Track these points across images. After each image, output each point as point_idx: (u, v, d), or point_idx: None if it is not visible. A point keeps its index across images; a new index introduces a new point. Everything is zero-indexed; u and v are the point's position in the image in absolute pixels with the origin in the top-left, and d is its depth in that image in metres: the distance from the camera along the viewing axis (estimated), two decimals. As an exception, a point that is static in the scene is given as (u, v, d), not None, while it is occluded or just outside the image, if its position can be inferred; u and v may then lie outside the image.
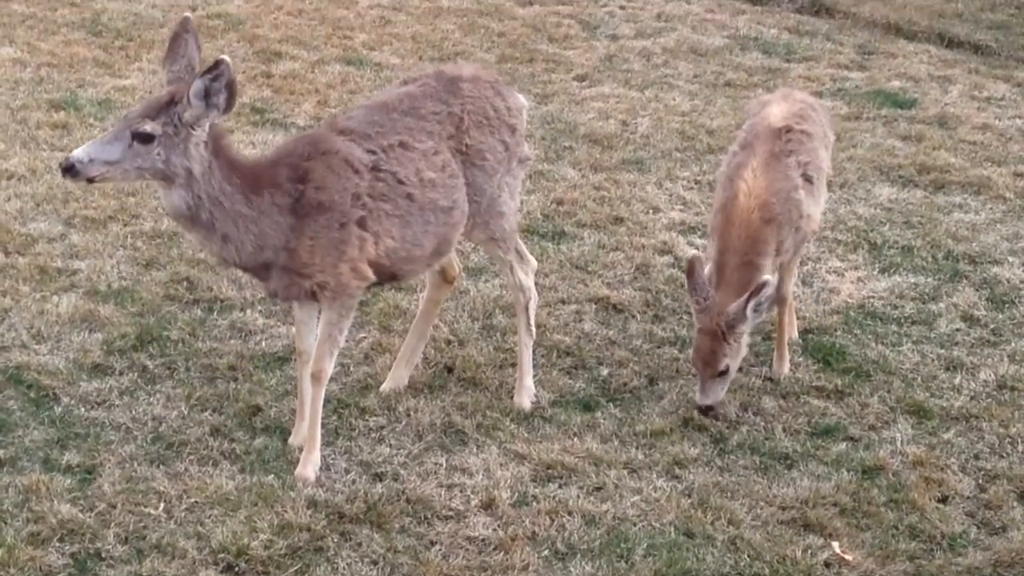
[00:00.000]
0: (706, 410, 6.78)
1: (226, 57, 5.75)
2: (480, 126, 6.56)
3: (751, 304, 6.55)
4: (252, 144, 9.55)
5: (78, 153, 5.78)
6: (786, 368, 7.26)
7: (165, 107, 5.79)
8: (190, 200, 5.86)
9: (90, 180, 5.85)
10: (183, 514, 5.93)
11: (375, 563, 5.73)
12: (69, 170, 5.75)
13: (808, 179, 7.06)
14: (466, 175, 6.49)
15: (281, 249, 6.04)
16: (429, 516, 6.04)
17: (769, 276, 6.67)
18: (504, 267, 6.95)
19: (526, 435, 6.66)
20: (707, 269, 7.05)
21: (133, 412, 6.63)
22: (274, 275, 6.13)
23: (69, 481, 6.08)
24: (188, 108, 5.75)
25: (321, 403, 6.27)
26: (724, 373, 6.73)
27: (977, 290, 8.29)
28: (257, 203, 5.97)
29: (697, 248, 8.54)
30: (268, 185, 6.01)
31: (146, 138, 5.76)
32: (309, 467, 6.22)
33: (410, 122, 6.38)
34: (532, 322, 6.97)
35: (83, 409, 6.64)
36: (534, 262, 7.09)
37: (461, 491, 6.21)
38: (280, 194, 6.02)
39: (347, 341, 7.07)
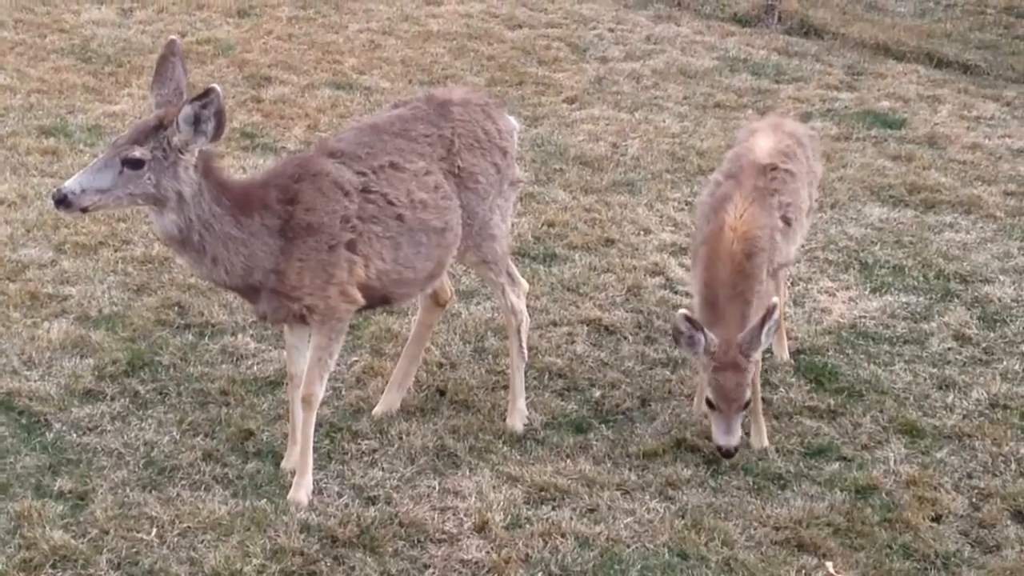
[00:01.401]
0: (733, 452, 6.59)
1: (217, 86, 5.75)
2: (471, 149, 6.56)
3: (765, 328, 6.48)
4: (243, 169, 9.55)
5: (70, 184, 5.76)
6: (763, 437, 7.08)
7: (153, 132, 5.79)
8: (181, 223, 5.86)
9: (83, 210, 5.84)
10: (176, 539, 5.91)
11: (368, 587, 5.73)
12: (62, 201, 5.74)
13: (787, 221, 7.01)
14: (458, 197, 6.49)
15: (270, 271, 6.03)
16: (422, 539, 6.02)
17: (776, 299, 6.61)
18: (496, 289, 6.94)
19: (519, 457, 6.65)
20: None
21: (125, 437, 6.61)
22: (263, 297, 6.13)
23: (61, 507, 6.06)
24: (177, 133, 5.76)
25: (312, 427, 6.26)
26: (747, 405, 6.63)
27: (968, 309, 8.30)
28: (247, 225, 5.97)
29: (687, 268, 8.55)
30: (258, 207, 6.01)
31: (136, 164, 5.75)
32: (302, 491, 6.20)
33: (401, 143, 6.38)
34: (524, 344, 6.96)
35: (75, 435, 6.62)
36: (525, 284, 7.09)
37: (454, 514, 6.19)
38: (269, 216, 6.02)
39: (339, 365, 7.07)
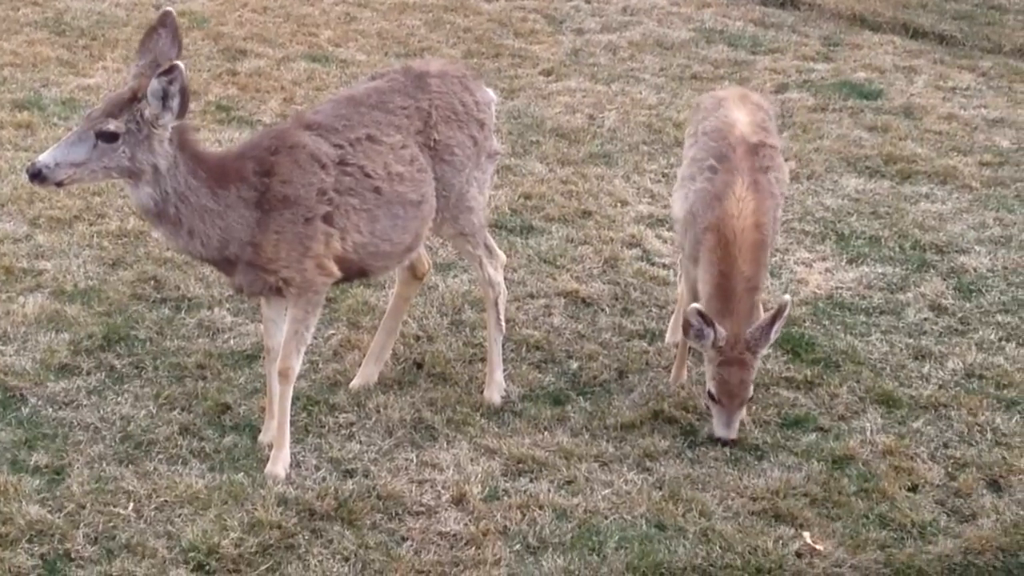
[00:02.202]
0: (732, 444, 6.59)
1: (180, 63, 5.71)
2: (448, 121, 6.54)
3: (776, 326, 6.45)
4: (218, 142, 9.51)
5: (44, 158, 5.74)
6: None
7: (127, 104, 5.77)
8: (157, 196, 5.84)
9: (58, 184, 5.82)
10: (153, 513, 5.90)
11: (346, 560, 5.71)
12: (36, 175, 5.72)
13: (782, 196, 6.98)
14: (435, 170, 6.47)
15: (246, 244, 6.02)
16: (400, 512, 6.02)
17: (788, 296, 6.55)
18: (473, 262, 6.93)
19: (496, 430, 6.65)
20: (680, 290, 7.01)
21: (101, 412, 6.59)
22: (240, 270, 6.12)
23: (37, 482, 6.04)
24: (148, 106, 5.74)
25: (289, 400, 6.24)
26: (749, 399, 6.62)
27: (944, 279, 8.32)
28: (223, 197, 5.95)
29: (665, 240, 8.56)
30: (234, 179, 6.00)
31: (110, 137, 5.73)
32: (279, 464, 6.19)
33: (378, 116, 6.36)
34: (502, 317, 6.95)
35: (51, 409, 6.60)
36: (503, 257, 7.07)
37: (432, 486, 6.19)
38: (246, 188, 6.00)
39: (316, 338, 7.06)
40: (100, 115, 5.78)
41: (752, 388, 6.59)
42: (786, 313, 6.48)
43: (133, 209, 6.21)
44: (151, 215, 5.95)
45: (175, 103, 5.71)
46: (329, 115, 6.32)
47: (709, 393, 6.59)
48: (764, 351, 6.58)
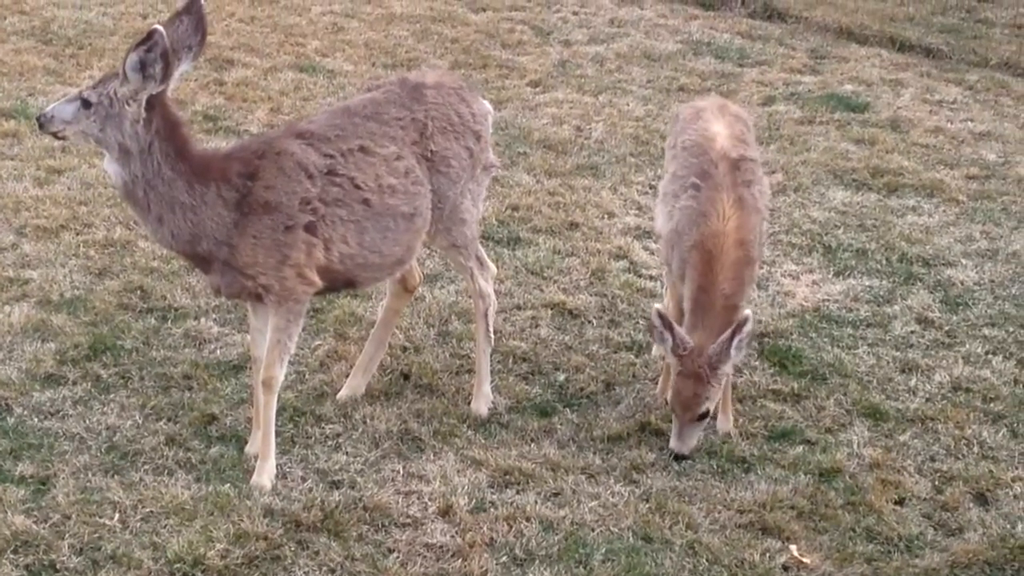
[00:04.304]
0: (684, 458, 6.55)
1: (159, 27, 5.78)
2: (444, 132, 6.54)
3: (735, 342, 6.34)
4: (205, 151, 9.49)
5: (47, 108, 6.08)
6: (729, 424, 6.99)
7: (109, 79, 5.94)
8: (125, 176, 5.95)
9: (54, 135, 6.08)
10: (138, 524, 5.88)
11: (333, 571, 5.69)
12: (39, 120, 6.02)
13: (765, 208, 6.96)
14: (430, 181, 6.47)
15: (223, 244, 6.03)
16: (387, 524, 6.01)
17: (749, 311, 6.45)
18: (465, 274, 6.92)
19: (483, 441, 6.64)
20: (667, 303, 6.97)
21: (87, 422, 6.57)
22: (216, 269, 6.12)
23: (22, 492, 6.01)
24: (125, 83, 5.83)
25: (274, 410, 6.22)
26: (704, 416, 6.55)
27: (931, 292, 8.33)
28: (200, 193, 5.98)
29: (652, 252, 8.56)
30: (216, 177, 6.03)
31: (86, 104, 5.92)
32: (265, 475, 6.18)
33: (373, 127, 6.36)
34: (491, 329, 6.94)
35: (36, 419, 6.58)
36: (494, 268, 7.07)
37: (419, 498, 6.18)
38: (227, 188, 6.03)
39: (302, 348, 7.05)
40: (92, 83, 6.05)
41: (710, 406, 6.50)
42: (746, 328, 6.36)
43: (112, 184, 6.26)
44: (121, 192, 6.07)
45: (157, 70, 5.80)
46: (322, 125, 6.33)
47: (666, 401, 6.59)
48: (727, 368, 6.49)
